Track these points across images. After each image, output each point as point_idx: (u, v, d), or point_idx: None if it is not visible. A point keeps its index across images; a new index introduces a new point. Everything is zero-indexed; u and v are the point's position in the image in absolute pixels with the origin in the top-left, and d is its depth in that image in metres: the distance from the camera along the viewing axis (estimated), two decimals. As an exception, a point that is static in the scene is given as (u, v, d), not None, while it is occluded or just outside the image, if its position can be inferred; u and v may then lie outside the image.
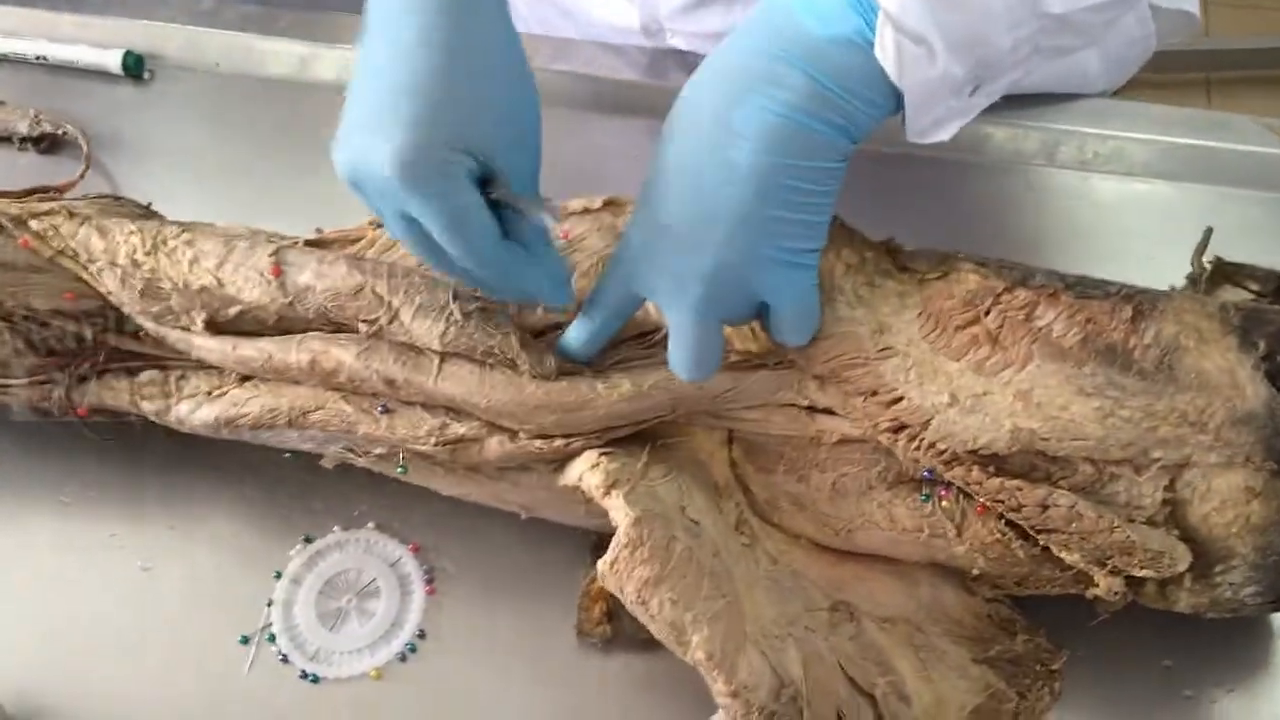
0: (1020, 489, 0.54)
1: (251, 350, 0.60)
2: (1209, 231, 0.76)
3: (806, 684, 0.54)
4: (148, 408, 0.63)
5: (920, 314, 0.57)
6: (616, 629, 0.61)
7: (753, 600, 0.56)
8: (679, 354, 0.55)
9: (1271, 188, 0.79)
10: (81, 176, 0.74)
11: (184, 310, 0.61)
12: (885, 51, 0.50)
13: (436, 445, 0.58)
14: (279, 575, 0.64)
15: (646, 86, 0.83)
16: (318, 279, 0.59)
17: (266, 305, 0.60)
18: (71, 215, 0.63)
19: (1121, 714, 0.60)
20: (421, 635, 0.63)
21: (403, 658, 0.62)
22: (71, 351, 0.63)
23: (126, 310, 0.62)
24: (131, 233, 0.61)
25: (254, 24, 0.89)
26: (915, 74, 0.51)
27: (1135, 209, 0.79)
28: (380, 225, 0.63)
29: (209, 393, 0.62)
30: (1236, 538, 0.54)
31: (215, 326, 0.61)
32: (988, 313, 0.56)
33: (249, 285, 0.60)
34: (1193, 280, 0.74)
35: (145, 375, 0.63)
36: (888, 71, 0.50)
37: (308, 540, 0.66)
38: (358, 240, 0.64)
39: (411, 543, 0.65)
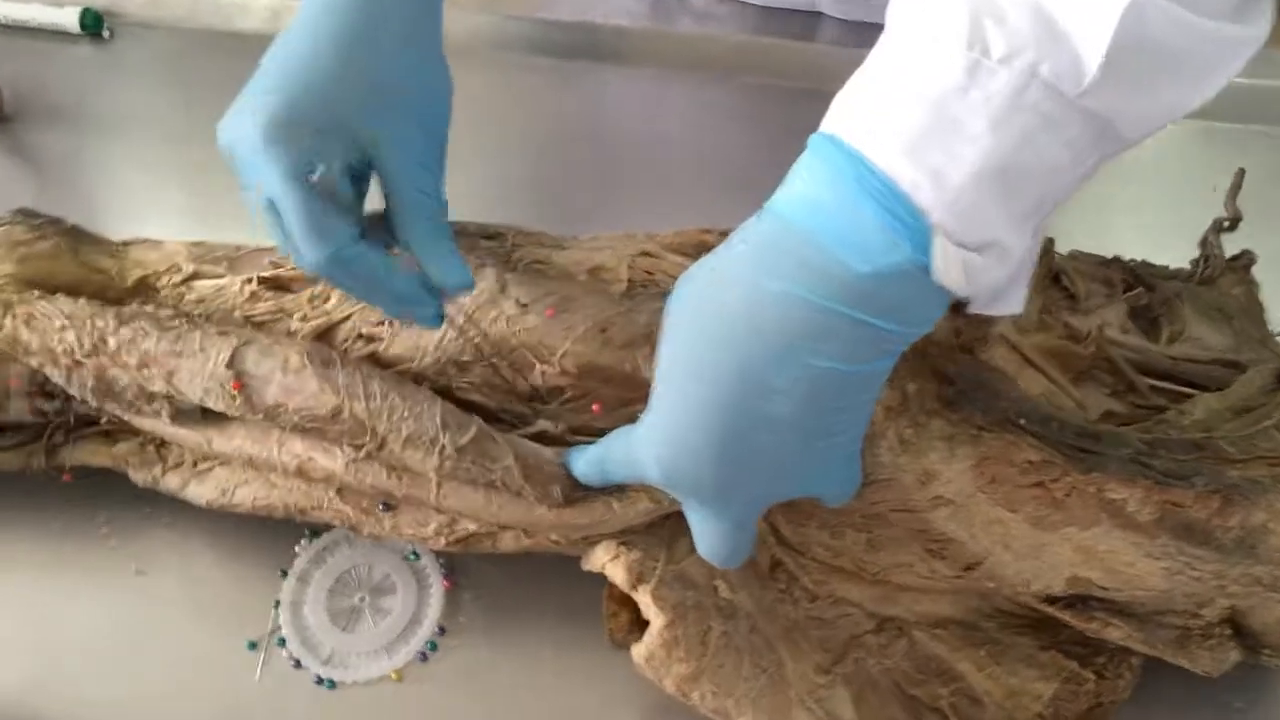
0: (1071, 620, 0.53)
1: (227, 448, 0.56)
2: (1241, 172, 0.73)
3: None
4: (136, 477, 0.59)
5: (974, 466, 0.52)
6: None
7: (795, 651, 0.54)
8: (712, 550, 0.50)
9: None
10: None
11: (145, 402, 0.56)
12: (948, 273, 0.42)
13: (447, 543, 0.55)
14: (285, 574, 0.61)
15: (648, 32, 0.77)
16: (286, 396, 0.53)
17: (236, 416, 0.55)
18: None
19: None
20: (442, 631, 0.59)
21: (423, 657, 0.59)
22: (38, 426, 0.59)
23: (81, 398, 0.57)
24: (63, 328, 0.55)
25: (220, -24, 0.85)
26: (985, 278, 0.43)
27: (1162, 148, 0.76)
28: None
29: (194, 464, 0.58)
30: None
31: (182, 416, 0.56)
32: (1055, 481, 0.52)
33: (211, 398, 0.54)
34: (1219, 227, 0.71)
35: (122, 446, 0.59)
36: (952, 289, 0.43)
37: (313, 535, 0.62)
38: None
39: (425, 533, 0.62)
